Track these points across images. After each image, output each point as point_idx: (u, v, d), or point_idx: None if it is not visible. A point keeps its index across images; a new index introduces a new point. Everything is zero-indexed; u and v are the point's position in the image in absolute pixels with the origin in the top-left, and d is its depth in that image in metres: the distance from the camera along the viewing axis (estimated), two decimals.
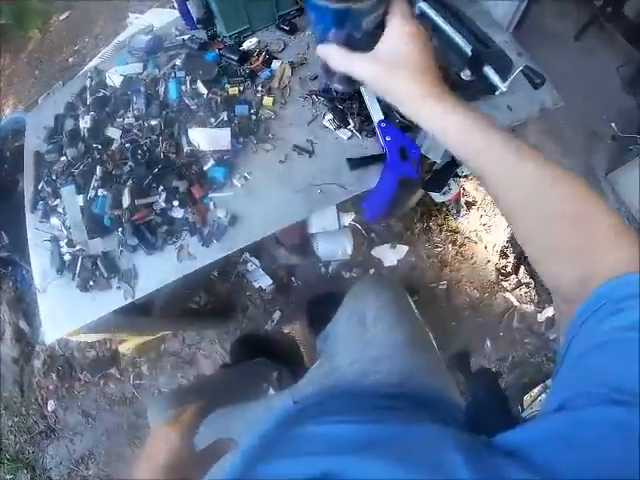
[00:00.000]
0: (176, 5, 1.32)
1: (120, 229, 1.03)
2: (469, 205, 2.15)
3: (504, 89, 0.98)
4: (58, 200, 1.15)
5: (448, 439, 0.44)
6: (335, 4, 0.48)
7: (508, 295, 2.05)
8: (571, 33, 2.04)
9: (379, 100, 1.01)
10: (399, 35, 0.51)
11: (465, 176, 1.97)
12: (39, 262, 1.14)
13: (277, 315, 2.06)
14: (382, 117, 0.99)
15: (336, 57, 0.53)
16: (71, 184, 1.11)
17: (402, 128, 1.01)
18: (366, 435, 0.57)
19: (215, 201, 1.03)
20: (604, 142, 2.03)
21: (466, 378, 1.78)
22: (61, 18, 3.15)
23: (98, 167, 1.09)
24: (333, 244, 1.88)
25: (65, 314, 1.06)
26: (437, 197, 1.98)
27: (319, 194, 1.01)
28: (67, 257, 1.08)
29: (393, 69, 0.51)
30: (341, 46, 0.52)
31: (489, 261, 2.09)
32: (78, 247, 1.06)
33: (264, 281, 2.03)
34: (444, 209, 2.13)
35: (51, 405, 2.44)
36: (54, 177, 1.17)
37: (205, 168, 1.05)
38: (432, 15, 1.03)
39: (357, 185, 1.02)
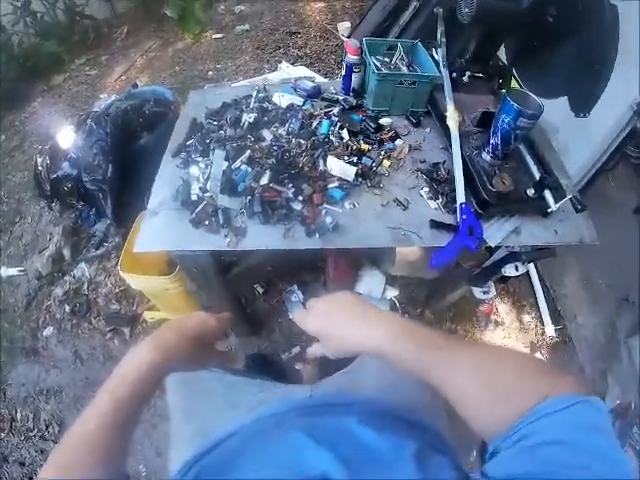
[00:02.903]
0: (343, 73, 1.71)
1: (249, 197, 1.31)
2: (497, 324, 2.39)
3: (554, 209, 1.27)
4: (200, 158, 1.46)
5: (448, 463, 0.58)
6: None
7: None
8: (631, 206, 2.08)
9: (466, 187, 1.33)
10: None
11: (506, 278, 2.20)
12: (159, 191, 1.42)
13: (296, 350, 2.20)
14: (464, 200, 1.31)
15: None
16: (222, 151, 1.41)
17: (475, 212, 1.31)
18: (375, 442, 0.63)
19: (327, 211, 1.32)
20: (633, 309, 2.14)
21: None
22: (214, 37, 3.72)
23: (248, 150, 1.41)
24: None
25: (168, 236, 1.31)
26: (477, 293, 2.23)
27: (402, 235, 1.30)
28: (194, 197, 1.35)
29: None
30: None
31: None
32: (208, 194, 1.34)
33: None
34: (474, 319, 2.37)
35: (48, 330, 2.51)
36: (207, 141, 1.49)
37: (329, 186, 1.36)
38: (522, 148, 1.42)
39: (430, 241, 1.30)
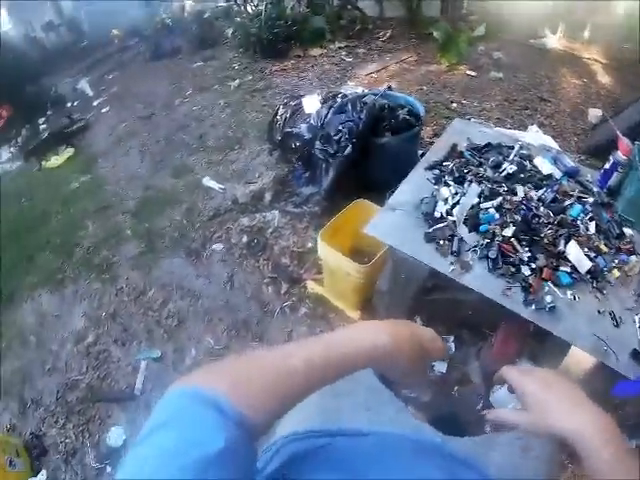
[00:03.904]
0: (607, 166, 1.70)
1: (487, 241, 1.38)
2: None
3: None
4: (453, 182, 1.56)
5: None
6: None
7: None
8: None
9: None
10: None
11: None
12: (403, 193, 1.58)
13: (421, 396, 1.97)
14: None
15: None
16: (478, 187, 1.51)
17: None
18: None
19: (549, 290, 1.34)
20: None
21: None
22: (468, 72, 3.86)
23: (500, 198, 1.48)
24: (510, 398, 1.95)
25: (399, 235, 1.45)
26: None
27: (603, 349, 1.26)
28: (437, 214, 1.47)
29: None
30: None
31: None
32: (451, 219, 1.44)
33: (440, 366, 2.10)
34: None
35: (218, 246, 2.81)
36: (465, 171, 1.60)
37: (560, 268, 1.37)
38: None
39: (624, 369, 1.24)
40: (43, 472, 2.13)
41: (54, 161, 4.53)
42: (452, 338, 2.11)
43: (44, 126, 5.23)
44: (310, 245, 2.63)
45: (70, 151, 4.57)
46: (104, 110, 5.09)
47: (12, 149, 5.09)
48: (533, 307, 1.30)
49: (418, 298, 1.64)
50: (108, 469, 2.14)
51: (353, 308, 2.23)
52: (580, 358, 1.79)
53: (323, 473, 0.58)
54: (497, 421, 0.74)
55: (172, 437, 0.44)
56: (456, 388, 2.03)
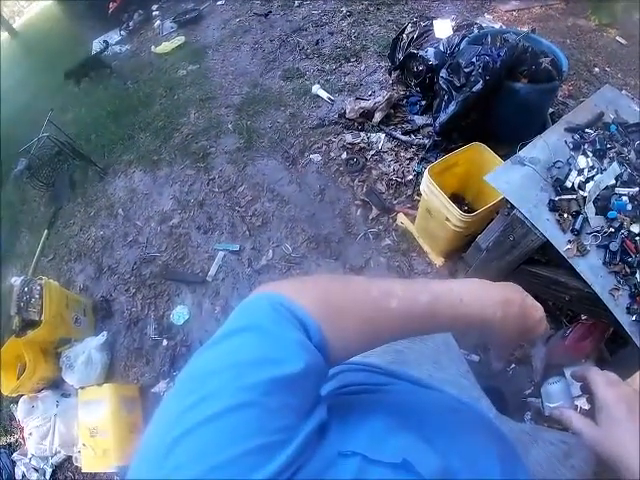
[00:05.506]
0: None
1: (612, 230, 1.30)
2: None
3: None
4: (592, 154, 1.44)
5: None
6: None
7: None
8: None
9: None
10: None
11: None
12: (536, 150, 1.50)
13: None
14: None
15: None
16: (619, 168, 1.39)
17: None
18: None
19: None
20: None
21: None
22: (617, 39, 3.36)
23: (637, 188, 1.35)
24: (566, 394, 1.82)
25: (521, 193, 1.40)
26: None
27: None
28: (568, 184, 1.39)
29: None
30: None
31: None
32: (581, 194, 1.36)
33: None
34: None
35: (316, 158, 2.84)
36: (608, 146, 1.46)
37: None
38: None
39: None
40: (104, 333, 2.36)
41: (163, 47, 4.61)
42: None
43: (157, 13, 5.36)
44: (410, 177, 2.58)
45: (181, 39, 4.63)
46: (219, 3, 5.02)
47: (123, 32, 5.26)
48: (634, 318, 1.23)
49: (518, 267, 1.57)
50: (164, 342, 2.36)
51: (438, 254, 2.21)
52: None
53: (378, 412, 0.53)
54: (563, 421, 0.67)
55: (250, 346, 0.40)
56: (512, 366, 1.99)
